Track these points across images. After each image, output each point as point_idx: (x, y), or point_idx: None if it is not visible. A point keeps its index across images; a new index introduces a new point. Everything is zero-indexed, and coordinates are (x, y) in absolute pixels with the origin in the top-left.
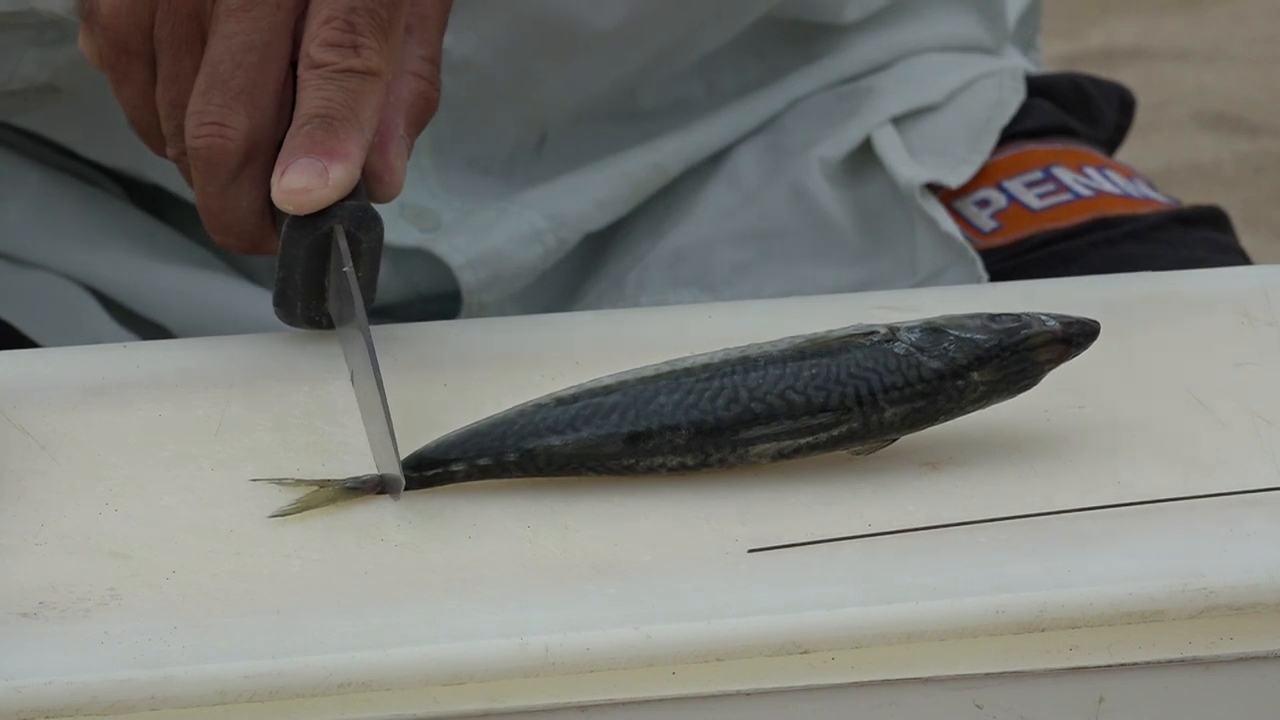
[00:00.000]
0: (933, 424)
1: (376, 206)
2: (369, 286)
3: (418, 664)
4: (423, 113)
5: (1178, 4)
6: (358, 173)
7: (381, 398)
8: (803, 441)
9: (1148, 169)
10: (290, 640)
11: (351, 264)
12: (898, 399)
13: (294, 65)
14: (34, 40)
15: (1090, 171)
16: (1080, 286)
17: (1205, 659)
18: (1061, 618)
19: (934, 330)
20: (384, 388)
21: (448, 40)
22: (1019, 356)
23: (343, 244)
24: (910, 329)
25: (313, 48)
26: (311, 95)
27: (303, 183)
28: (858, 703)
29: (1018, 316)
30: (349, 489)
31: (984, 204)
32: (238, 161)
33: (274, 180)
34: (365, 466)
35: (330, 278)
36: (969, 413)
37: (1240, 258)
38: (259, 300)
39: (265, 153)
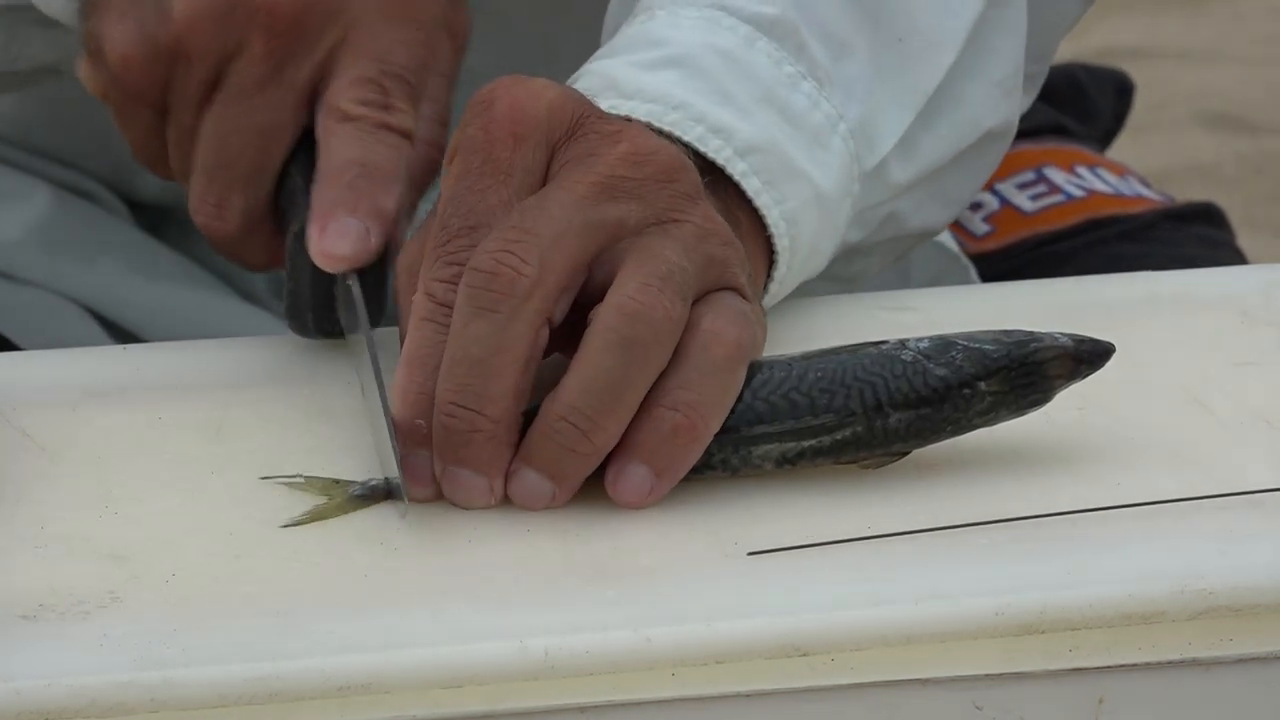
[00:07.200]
0: (939, 436)
1: None
2: (378, 285)
3: (418, 667)
4: (429, 179)
5: (1178, 4)
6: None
7: (384, 404)
8: (806, 444)
9: (1147, 169)
10: (290, 643)
11: (356, 276)
12: (902, 403)
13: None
14: (40, 20)
15: (1082, 171)
16: (1080, 287)
17: (1205, 660)
18: (1061, 619)
19: (943, 341)
20: (387, 395)
21: None
22: (1028, 369)
23: None
24: (920, 339)
25: (344, 102)
26: (348, 144)
27: (347, 249)
28: (857, 704)
29: (1030, 332)
30: (357, 497)
31: (976, 207)
32: (237, 236)
33: (311, 235)
34: (366, 470)
35: (338, 287)
36: (976, 427)
37: (1235, 253)
38: (259, 320)
39: (265, 222)
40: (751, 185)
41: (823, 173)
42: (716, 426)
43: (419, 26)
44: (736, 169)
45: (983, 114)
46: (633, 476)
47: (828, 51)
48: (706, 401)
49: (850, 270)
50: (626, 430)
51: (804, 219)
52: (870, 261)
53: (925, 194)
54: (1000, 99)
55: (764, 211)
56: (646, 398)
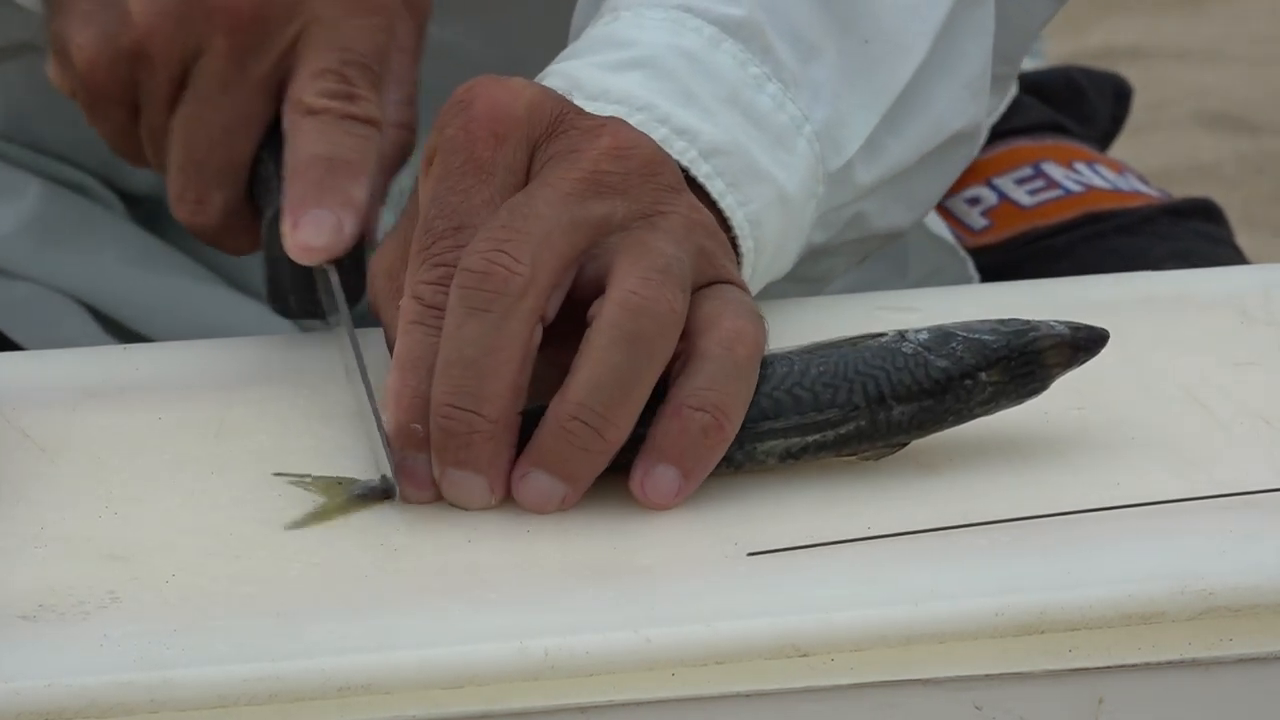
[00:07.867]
0: (940, 426)
1: None
2: (355, 271)
3: (417, 667)
4: (401, 161)
5: (1178, 4)
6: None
7: (370, 397)
8: (810, 439)
9: (1147, 168)
10: (290, 643)
11: (333, 264)
12: (905, 396)
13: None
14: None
15: (1080, 167)
16: (1080, 285)
17: (1205, 660)
18: (1061, 619)
19: (942, 332)
20: (372, 389)
21: (431, 27)
22: (1026, 358)
23: None
24: (918, 331)
25: (307, 96)
26: (314, 139)
27: (322, 241)
28: (857, 704)
29: (1026, 321)
30: (357, 496)
31: (974, 201)
32: (219, 228)
33: (285, 229)
34: (365, 470)
35: (317, 272)
36: (977, 416)
37: (1232, 249)
38: (254, 311)
39: (244, 211)
40: (716, 187)
41: (787, 174)
42: (739, 425)
43: (378, 11)
44: (701, 171)
45: (950, 116)
46: (662, 477)
47: (794, 53)
48: (731, 401)
49: (816, 271)
50: (652, 431)
51: (768, 221)
52: (836, 262)
53: (891, 195)
54: (968, 101)
55: (729, 213)
56: (672, 398)
